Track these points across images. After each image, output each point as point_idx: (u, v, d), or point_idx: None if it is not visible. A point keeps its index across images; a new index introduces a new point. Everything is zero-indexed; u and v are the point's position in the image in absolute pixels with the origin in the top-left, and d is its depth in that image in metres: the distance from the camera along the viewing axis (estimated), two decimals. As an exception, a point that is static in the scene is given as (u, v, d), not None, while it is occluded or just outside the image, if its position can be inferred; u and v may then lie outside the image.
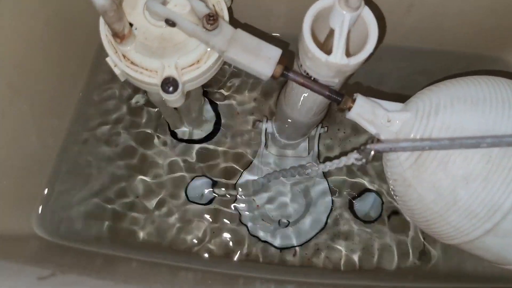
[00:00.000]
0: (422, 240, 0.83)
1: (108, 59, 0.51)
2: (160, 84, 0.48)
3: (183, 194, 0.83)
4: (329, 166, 0.52)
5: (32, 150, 0.69)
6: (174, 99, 0.49)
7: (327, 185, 0.84)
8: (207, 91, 0.89)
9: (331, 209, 0.83)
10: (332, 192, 0.84)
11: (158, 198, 0.83)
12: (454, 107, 0.45)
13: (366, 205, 0.86)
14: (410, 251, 0.83)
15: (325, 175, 0.84)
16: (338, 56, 0.43)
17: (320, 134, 0.80)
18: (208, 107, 0.88)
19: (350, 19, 0.41)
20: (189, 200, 0.83)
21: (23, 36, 0.59)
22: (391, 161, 0.49)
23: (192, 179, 0.85)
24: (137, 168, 0.84)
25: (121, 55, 0.49)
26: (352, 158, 0.46)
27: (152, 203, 0.83)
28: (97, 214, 0.80)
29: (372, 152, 0.41)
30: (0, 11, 0.55)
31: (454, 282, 0.75)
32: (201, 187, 0.85)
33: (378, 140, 0.46)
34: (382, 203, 0.85)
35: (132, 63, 0.49)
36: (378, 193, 0.86)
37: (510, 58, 0.80)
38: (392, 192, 0.52)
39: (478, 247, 0.47)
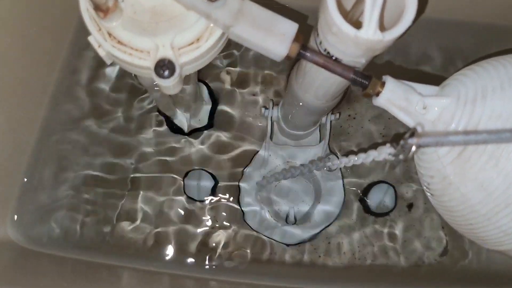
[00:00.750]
0: (444, 236, 0.77)
1: (90, 38, 0.43)
2: (153, 67, 0.40)
3: (180, 190, 0.76)
4: (353, 160, 0.45)
5: (5, 147, 0.61)
6: (170, 85, 0.41)
7: (341, 180, 0.77)
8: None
9: (343, 204, 0.76)
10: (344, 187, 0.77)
11: (151, 194, 0.76)
12: (506, 91, 0.38)
13: (378, 196, 0.79)
14: (431, 246, 0.76)
15: (340, 169, 0.76)
16: (371, 30, 0.35)
17: (331, 121, 0.72)
18: (204, 91, 0.80)
19: (385, -17, 0.34)
20: (187, 196, 0.76)
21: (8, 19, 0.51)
22: (426, 155, 0.42)
23: (188, 172, 0.77)
24: (124, 163, 0.77)
25: (106, 33, 0.41)
26: (385, 153, 0.39)
27: (144, 201, 0.75)
28: (75, 214, 0.73)
29: (414, 148, 0.34)
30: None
31: (480, 283, 0.68)
32: (199, 181, 0.78)
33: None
34: (396, 192, 0.79)
35: (119, 42, 0.41)
36: (390, 184, 0.79)
37: None
38: (426, 191, 0.45)
39: (529, 254, 0.40)
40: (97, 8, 0.38)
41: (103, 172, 0.76)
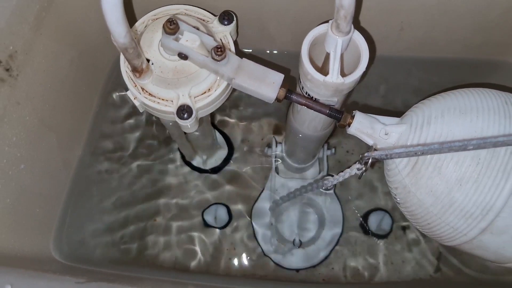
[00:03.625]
0: (438, 252, 0.86)
1: (128, 93, 0.56)
2: (175, 112, 0.53)
3: (200, 219, 0.88)
4: (337, 179, 0.56)
5: (54, 177, 0.74)
6: (188, 125, 0.54)
7: (339, 204, 0.87)
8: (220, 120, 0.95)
9: (343, 227, 0.86)
10: (343, 211, 0.88)
11: (175, 222, 0.87)
12: (445, 117, 0.49)
13: (376, 221, 0.89)
14: (425, 263, 0.85)
15: (336, 194, 0.87)
16: (334, 76, 0.47)
17: (327, 156, 0.84)
18: (219, 136, 0.93)
19: (342, 42, 0.46)
20: (205, 225, 0.87)
21: (51, 75, 0.66)
22: (391, 171, 0.53)
23: (209, 206, 0.89)
24: (151, 192, 0.89)
25: (140, 88, 0.55)
26: (355, 169, 0.51)
27: (168, 227, 0.87)
28: (113, 236, 0.84)
29: (370, 160, 0.45)
30: (32, 56, 0.62)
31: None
32: (216, 212, 0.89)
33: (375, 150, 0.50)
34: (392, 218, 0.88)
35: (150, 94, 0.55)
36: (386, 211, 0.89)
37: None
38: (395, 200, 0.55)
39: (477, 246, 0.50)
40: (134, 70, 0.52)
41: (132, 202, 0.88)
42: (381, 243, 0.87)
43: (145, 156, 0.92)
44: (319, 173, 0.88)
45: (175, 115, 0.54)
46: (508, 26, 0.68)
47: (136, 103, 0.57)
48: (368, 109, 0.54)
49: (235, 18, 0.58)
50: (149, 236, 0.86)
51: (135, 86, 0.55)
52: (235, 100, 0.95)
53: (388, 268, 0.85)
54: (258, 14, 0.70)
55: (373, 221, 0.88)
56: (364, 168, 0.47)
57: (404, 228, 0.89)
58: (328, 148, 0.85)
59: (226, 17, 0.58)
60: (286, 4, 0.67)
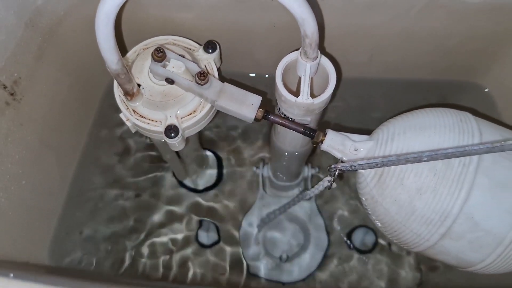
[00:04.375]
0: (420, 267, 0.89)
1: (121, 115, 0.62)
2: (163, 131, 0.59)
3: (190, 236, 0.92)
4: (313, 191, 0.61)
5: (52, 192, 0.79)
6: (175, 143, 0.59)
7: (322, 220, 0.92)
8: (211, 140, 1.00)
9: (329, 242, 0.90)
10: (328, 226, 0.92)
11: (165, 239, 0.91)
12: (406, 134, 0.55)
13: (360, 237, 0.93)
14: (409, 277, 0.89)
15: (319, 209, 0.92)
16: (304, 97, 0.53)
17: (312, 174, 0.89)
18: (210, 157, 0.98)
19: (310, 67, 0.52)
20: (196, 243, 0.91)
21: (51, 99, 0.72)
22: (361, 183, 0.58)
23: (198, 223, 0.93)
24: (143, 209, 0.93)
25: (132, 110, 0.60)
26: (326, 181, 0.56)
27: (159, 243, 0.91)
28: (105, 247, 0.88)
29: (337, 171, 0.50)
30: (35, 82, 0.68)
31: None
32: (206, 230, 0.93)
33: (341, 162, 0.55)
34: (375, 234, 0.92)
35: (141, 116, 0.60)
36: (370, 228, 0.93)
37: (483, 82, 0.87)
38: (366, 211, 0.60)
39: (440, 251, 0.54)
40: (126, 93, 0.57)
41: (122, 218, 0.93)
42: (365, 258, 0.91)
43: (137, 174, 0.96)
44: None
45: (163, 135, 0.59)
46: (468, 53, 0.74)
47: (128, 124, 0.62)
48: (343, 128, 0.59)
49: (218, 47, 0.64)
50: (140, 248, 0.90)
51: (127, 108, 0.61)
52: (226, 121, 1.01)
53: (373, 282, 0.89)
54: (244, 42, 0.77)
55: (357, 237, 0.92)
56: (332, 179, 0.52)
57: (389, 245, 0.93)
58: (312, 167, 0.90)
59: (210, 46, 0.64)
60: (267, 33, 0.73)
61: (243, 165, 0.99)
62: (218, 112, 0.61)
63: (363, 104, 0.92)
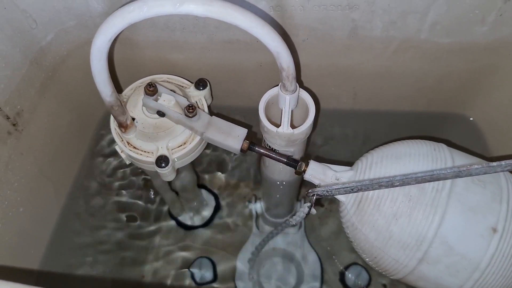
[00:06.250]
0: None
1: (116, 146, 0.66)
2: (155, 161, 0.62)
3: (185, 273, 0.93)
4: (295, 219, 0.63)
5: (47, 220, 0.81)
6: (165, 173, 0.62)
7: (317, 257, 0.92)
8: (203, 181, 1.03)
9: (322, 278, 0.91)
10: (322, 265, 0.92)
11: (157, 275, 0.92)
12: (383, 162, 0.58)
13: (354, 275, 0.93)
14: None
15: (312, 245, 0.93)
16: (284, 128, 0.56)
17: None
18: (206, 194, 1.01)
19: (290, 99, 0.56)
20: (194, 281, 0.92)
21: (52, 132, 0.77)
22: (342, 212, 0.60)
23: (194, 260, 0.94)
24: (134, 251, 0.95)
25: (126, 142, 0.64)
26: (306, 207, 0.58)
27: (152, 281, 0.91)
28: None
29: (315, 196, 0.53)
30: (36, 115, 0.73)
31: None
32: (202, 268, 0.94)
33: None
34: (368, 274, 0.93)
35: (134, 147, 0.64)
36: (363, 266, 0.94)
37: (467, 112, 0.89)
38: (348, 239, 0.62)
39: (419, 277, 0.56)
40: (120, 125, 0.61)
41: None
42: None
43: (130, 208, 0.98)
44: (299, 228, 0.94)
45: (155, 165, 0.62)
46: (448, 88, 0.78)
47: (123, 155, 0.66)
48: (329, 160, 0.62)
49: (208, 84, 0.68)
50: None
51: (122, 140, 0.64)
52: (221, 158, 1.04)
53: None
54: (234, 80, 0.81)
55: (351, 277, 0.93)
56: (310, 204, 0.55)
57: (384, 286, 0.93)
58: (305, 203, 0.92)
59: (201, 83, 0.68)
60: (255, 72, 0.78)
61: (238, 202, 1.01)
62: (215, 148, 0.64)
63: (352, 136, 0.96)
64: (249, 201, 0.95)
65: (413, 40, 0.68)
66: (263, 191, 0.88)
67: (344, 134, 0.94)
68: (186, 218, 0.98)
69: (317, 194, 0.53)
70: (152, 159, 0.63)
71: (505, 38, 0.67)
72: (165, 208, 0.99)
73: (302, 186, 0.86)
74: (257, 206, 0.93)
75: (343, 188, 0.52)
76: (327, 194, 0.53)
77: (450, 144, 0.60)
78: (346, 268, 0.93)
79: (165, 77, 0.70)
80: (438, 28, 0.66)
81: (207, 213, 1.00)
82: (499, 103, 0.79)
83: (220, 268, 0.94)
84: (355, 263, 0.94)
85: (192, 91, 0.69)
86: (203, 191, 1.01)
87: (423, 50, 0.69)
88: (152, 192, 0.99)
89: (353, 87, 0.78)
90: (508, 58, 0.71)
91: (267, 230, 0.95)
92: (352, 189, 0.52)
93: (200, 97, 0.68)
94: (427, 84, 0.77)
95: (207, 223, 0.98)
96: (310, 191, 0.53)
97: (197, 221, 0.98)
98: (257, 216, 0.95)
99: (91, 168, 0.95)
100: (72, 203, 0.89)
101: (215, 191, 1.02)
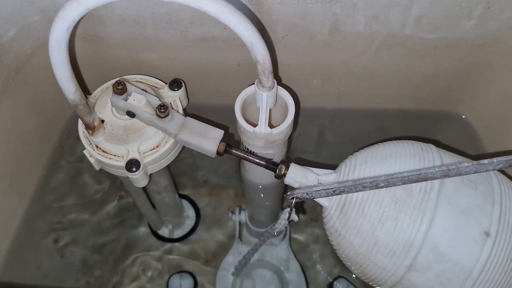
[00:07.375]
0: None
1: (85, 151, 0.61)
2: (125, 166, 0.58)
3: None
4: (277, 227, 0.59)
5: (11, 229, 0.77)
6: (136, 177, 0.58)
7: (301, 269, 0.88)
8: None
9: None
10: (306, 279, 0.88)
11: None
12: (367, 164, 0.54)
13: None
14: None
15: (297, 257, 0.89)
16: (262, 127, 0.53)
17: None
18: (187, 205, 0.96)
19: (267, 96, 0.52)
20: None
21: (15, 137, 0.72)
22: (325, 218, 0.56)
23: (172, 274, 0.89)
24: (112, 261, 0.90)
25: (94, 145, 0.60)
26: (286, 212, 0.54)
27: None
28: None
29: (294, 200, 0.49)
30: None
31: None
32: (181, 282, 0.89)
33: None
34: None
35: (103, 151, 0.60)
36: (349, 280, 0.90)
37: (459, 110, 0.87)
38: (333, 247, 0.58)
39: (408, 286, 0.52)
40: (87, 127, 0.57)
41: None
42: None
43: (108, 219, 0.94)
44: (283, 238, 0.90)
45: (125, 169, 0.58)
46: (437, 86, 0.75)
47: (92, 160, 0.62)
48: (312, 164, 0.58)
49: (183, 85, 0.65)
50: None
51: (90, 144, 0.60)
52: (202, 168, 1.00)
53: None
54: (213, 79, 0.78)
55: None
56: (290, 209, 0.51)
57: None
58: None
59: (175, 84, 0.65)
60: (233, 71, 0.74)
61: (220, 213, 0.97)
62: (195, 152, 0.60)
63: (337, 138, 0.92)
64: (233, 212, 0.91)
65: (397, 36, 0.65)
66: (245, 196, 0.84)
67: (328, 136, 0.90)
68: (165, 231, 0.94)
69: (297, 197, 0.49)
70: (122, 163, 0.59)
71: (493, 34, 0.65)
72: (143, 219, 0.95)
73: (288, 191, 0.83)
74: (242, 217, 0.89)
75: (324, 190, 0.48)
76: (308, 197, 0.49)
77: (440, 144, 0.57)
78: (334, 280, 0.89)
79: (137, 77, 0.67)
80: (423, 23, 0.63)
81: (187, 225, 0.95)
82: (491, 100, 0.77)
83: (202, 281, 0.89)
84: (340, 276, 0.90)
85: (166, 91, 0.65)
86: (184, 201, 0.97)
87: (408, 47, 0.66)
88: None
89: (336, 87, 0.75)
90: (497, 55, 0.68)
91: (251, 241, 0.90)
92: (334, 191, 0.48)
93: (174, 98, 0.65)
94: (416, 83, 0.74)
95: (186, 235, 0.94)
96: (289, 193, 0.49)
97: (176, 233, 0.94)
98: (240, 227, 0.90)
99: (58, 176, 0.91)
100: (36, 212, 0.84)
101: (196, 200, 0.98)
